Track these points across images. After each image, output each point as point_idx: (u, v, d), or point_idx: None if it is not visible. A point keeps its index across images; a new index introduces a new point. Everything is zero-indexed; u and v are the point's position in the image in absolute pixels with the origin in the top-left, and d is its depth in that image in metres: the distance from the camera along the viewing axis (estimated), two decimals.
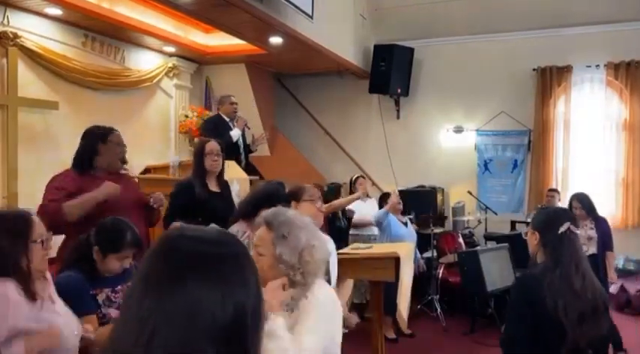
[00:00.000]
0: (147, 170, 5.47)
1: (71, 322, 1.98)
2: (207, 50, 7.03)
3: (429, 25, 7.65)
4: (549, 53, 7.24)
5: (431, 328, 5.47)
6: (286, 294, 1.66)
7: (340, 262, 3.13)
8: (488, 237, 6.60)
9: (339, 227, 5.26)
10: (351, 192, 5.75)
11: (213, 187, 3.63)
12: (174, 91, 7.20)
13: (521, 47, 7.36)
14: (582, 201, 4.76)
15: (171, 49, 6.79)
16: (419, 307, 5.82)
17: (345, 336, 5.07)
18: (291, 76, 8.45)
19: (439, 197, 7.57)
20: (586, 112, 7.17)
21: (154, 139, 6.85)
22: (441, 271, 5.96)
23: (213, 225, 3.44)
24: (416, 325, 5.38)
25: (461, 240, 6.19)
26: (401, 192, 7.09)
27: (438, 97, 7.91)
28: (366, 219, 5.56)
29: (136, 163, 5.25)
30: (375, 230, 5.49)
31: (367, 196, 5.88)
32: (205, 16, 5.50)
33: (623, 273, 6.44)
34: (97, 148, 3.08)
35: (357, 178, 5.87)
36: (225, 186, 3.76)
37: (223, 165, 3.71)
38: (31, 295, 1.85)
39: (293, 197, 2.90)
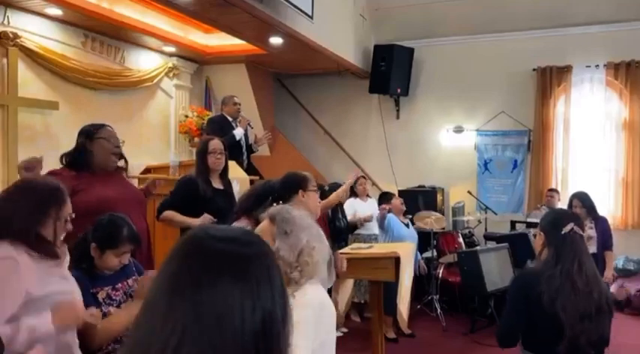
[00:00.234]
0: (147, 170, 5.47)
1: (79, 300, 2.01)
2: (207, 50, 7.04)
3: (429, 25, 7.65)
4: (549, 53, 7.25)
5: (431, 328, 5.47)
6: None
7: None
8: (488, 237, 6.61)
9: (339, 227, 5.25)
10: (352, 192, 5.76)
11: (217, 184, 3.66)
12: (174, 91, 7.20)
13: (521, 47, 7.36)
14: (583, 200, 4.77)
15: (171, 49, 6.79)
16: (419, 306, 5.82)
17: (345, 336, 5.10)
18: (291, 76, 8.45)
19: (439, 197, 7.58)
20: (586, 112, 7.17)
21: (154, 139, 6.86)
22: (440, 271, 5.97)
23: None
24: (416, 325, 5.38)
25: (461, 240, 6.20)
26: (401, 192, 7.12)
27: (438, 97, 7.91)
28: (365, 214, 5.54)
29: (136, 163, 5.25)
30: (376, 229, 5.50)
31: (367, 196, 5.88)
32: (205, 16, 5.50)
33: (623, 273, 6.44)
34: (86, 146, 2.98)
35: (358, 178, 5.86)
36: (228, 184, 3.78)
37: (226, 163, 3.73)
38: (48, 253, 1.88)
39: (300, 186, 2.87)
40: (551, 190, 6.43)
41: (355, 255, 3.65)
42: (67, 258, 2.05)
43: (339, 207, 5.43)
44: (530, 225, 5.97)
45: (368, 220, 5.49)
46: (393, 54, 7.60)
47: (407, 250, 3.97)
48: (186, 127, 6.73)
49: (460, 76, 7.72)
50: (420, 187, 7.62)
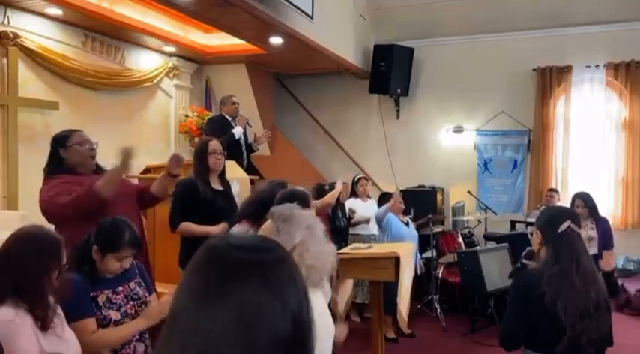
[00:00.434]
0: (147, 170, 5.46)
1: (76, 348, 2.00)
2: (207, 50, 7.04)
3: (429, 25, 7.65)
4: (549, 53, 7.25)
5: (431, 327, 5.47)
6: None
7: (340, 262, 3.12)
8: (488, 237, 6.61)
9: (339, 227, 5.26)
10: (353, 192, 5.76)
11: (216, 185, 3.65)
12: (174, 91, 7.21)
13: (521, 47, 7.36)
14: (585, 200, 4.77)
15: (171, 49, 6.79)
16: (419, 306, 5.82)
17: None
18: (291, 75, 8.45)
19: (439, 197, 7.58)
20: (586, 112, 7.17)
21: (154, 139, 6.86)
22: (440, 271, 5.97)
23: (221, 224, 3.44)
24: (416, 324, 5.38)
25: (460, 240, 6.19)
26: (401, 192, 7.12)
27: (438, 97, 7.91)
28: (365, 216, 5.56)
29: (136, 163, 5.24)
30: (375, 230, 5.50)
31: (368, 196, 5.88)
32: (205, 16, 5.50)
33: (623, 273, 6.45)
34: (60, 155, 2.95)
35: (360, 179, 5.87)
36: (227, 184, 3.78)
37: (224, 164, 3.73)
38: (45, 323, 1.86)
39: (303, 204, 2.83)
40: (550, 190, 6.43)
41: (355, 255, 3.65)
42: (61, 316, 2.02)
43: (339, 207, 5.44)
44: (530, 225, 5.98)
45: (366, 221, 5.52)
46: (393, 54, 7.60)
47: (407, 250, 3.96)
48: (186, 127, 6.73)
49: (460, 76, 7.72)
50: (420, 187, 7.62)
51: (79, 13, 5.35)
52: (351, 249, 3.94)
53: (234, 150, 5.26)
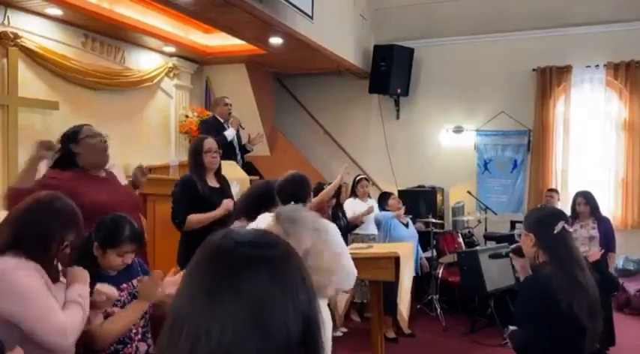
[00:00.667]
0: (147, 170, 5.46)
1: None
2: (207, 50, 7.04)
3: (429, 25, 7.65)
4: (549, 53, 7.25)
5: (431, 328, 5.47)
6: None
7: None
8: (488, 237, 6.61)
9: (340, 227, 5.25)
10: (353, 192, 5.77)
11: (213, 182, 3.65)
12: (174, 92, 7.21)
13: (521, 47, 7.36)
14: (587, 198, 4.79)
15: (171, 49, 6.79)
16: (419, 306, 5.82)
17: (345, 336, 5.09)
18: (291, 76, 8.45)
19: (439, 197, 7.58)
20: (586, 112, 7.17)
21: (154, 139, 6.86)
22: (440, 271, 5.97)
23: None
24: (416, 324, 5.38)
25: (460, 240, 6.20)
26: (401, 192, 7.13)
27: (438, 97, 7.91)
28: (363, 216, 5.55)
29: (135, 163, 5.25)
30: (374, 230, 5.50)
31: (368, 196, 5.88)
32: (205, 16, 5.50)
33: (623, 273, 6.45)
34: (72, 150, 2.91)
35: (361, 180, 5.87)
36: (224, 181, 3.77)
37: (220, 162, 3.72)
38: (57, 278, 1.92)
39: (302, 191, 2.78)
40: (550, 190, 6.43)
41: (355, 255, 3.65)
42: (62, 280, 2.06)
43: (339, 207, 5.44)
44: None
45: (369, 211, 5.47)
46: (393, 54, 7.60)
47: (407, 250, 3.97)
48: (186, 127, 6.73)
49: (460, 76, 7.72)
50: (419, 187, 7.62)
51: (79, 13, 5.35)
52: (351, 249, 3.94)
53: (228, 151, 5.24)
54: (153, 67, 6.76)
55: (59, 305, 1.86)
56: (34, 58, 5.34)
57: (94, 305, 2.04)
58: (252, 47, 6.57)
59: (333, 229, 1.86)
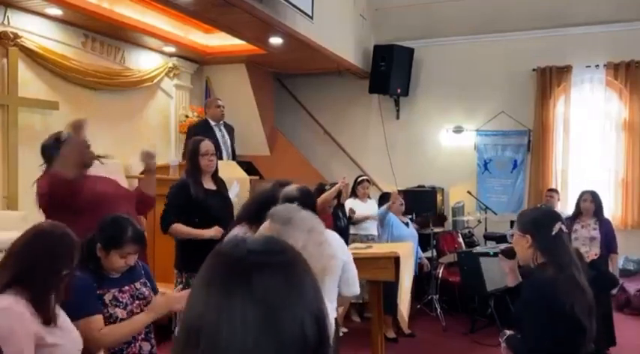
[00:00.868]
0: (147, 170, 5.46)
1: (75, 336, 1.99)
2: (207, 50, 7.04)
3: (429, 25, 7.65)
4: (549, 53, 7.25)
5: (431, 328, 5.47)
6: None
7: None
8: (488, 237, 6.61)
9: (340, 227, 5.25)
10: (354, 193, 5.77)
11: (209, 185, 3.61)
12: (174, 92, 7.21)
13: (521, 47, 7.36)
14: (594, 196, 4.81)
15: (171, 49, 6.79)
16: (419, 306, 5.82)
17: (345, 336, 5.08)
18: (291, 76, 8.45)
19: (439, 197, 7.58)
20: (586, 112, 7.16)
21: (154, 139, 6.86)
22: (440, 271, 5.97)
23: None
24: (416, 324, 5.38)
25: (460, 240, 6.20)
26: (401, 192, 7.12)
27: (438, 97, 7.91)
28: (365, 214, 5.56)
29: (136, 163, 5.26)
30: (374, 230, 5.50)
31: (368, 197, 5.88)
32: (205, 16, 5.50)
33: (623, 273, 6.44)
34: (56, 156, 2.91)
35: (362, 181, 5.87)
36: (221, 183, 3.73)
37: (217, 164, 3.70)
38: (47, 320, 1.85)
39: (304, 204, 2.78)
40: (550, 190, 6.43)
41: (355, 255, 3.65)
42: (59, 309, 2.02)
43: (339, 207, 5.44)
44: None
45: (367, 218, 5.51)
46: (393, 54, 7.60)
47: (407, 250, 3.97)
48: (186, 127, 6.73)
49: (460, 76, 7.72)
50: (419, 187, 7.62)
51: (79, 13, 5.35)
52: (351, 249, 3.94)
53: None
54: (153, 67, 6.77)
55: None
56: (34, 58, 5.35)
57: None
58: (252, 47, 6.57)
59: (332, 238, 1.83)
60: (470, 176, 7.71)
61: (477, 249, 5.78)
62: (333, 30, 6.79)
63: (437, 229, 6.23)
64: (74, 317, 2.03)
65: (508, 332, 2.30)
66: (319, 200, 4.20)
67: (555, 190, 6.37)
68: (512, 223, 6.81)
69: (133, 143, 6.27)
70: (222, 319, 0.75)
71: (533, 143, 7.40)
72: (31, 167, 5.03)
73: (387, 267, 3.58)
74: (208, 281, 0.80)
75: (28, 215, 4.34)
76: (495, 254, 2.43)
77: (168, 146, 7.08)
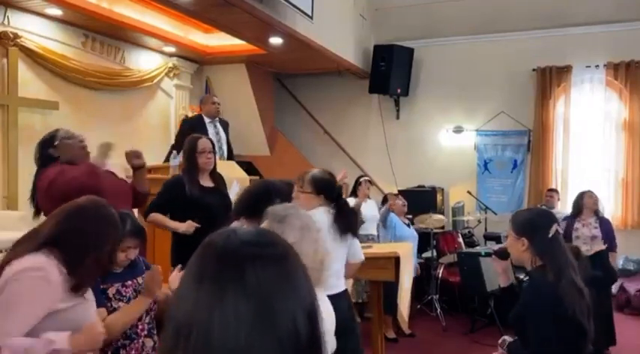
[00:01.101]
0: (147, 170, 5.45)
1: (94, 317, 2.00)
2: (207, 50, 7.04)
3: (429, 25, 7.66)
4: (549, 53, 7.25)
5: (431, 328, 5.47)
6: None
7: None
8: (488, 237, 6.61)
9: None
10: (354, 193, 5.76)
11: (207, 182, 3.59)
12: (174, 92, 7.21)
13: (521, 47, 7.36)
14: (594, 195, 4.84)
15: (171, 49, 6.79)
16: (419, 306, 5.82)
17: None
18: (291, 76, 8.45)
19: (439, 197, 7.58)
20: (586, 112, 7.17)
21: (154, 139, 6.85)
22: (440, 271, 5.97)
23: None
24: (416, 324, 5.38)
25: (460, 240, 6.20)
26: (401, 192, 7.12)
27: (438, 97, 7.91)
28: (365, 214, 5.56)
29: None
30: (373, 230, 5.50)
31: (368, 197, 5.87)
32: (205, 16, 5.51)
33: (623, 273, 6.44)
34: (52, 154, 3.00)
35: (363, 181, 5.86)
36: (220, 180, 3.71)
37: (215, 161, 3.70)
38: (78, 284, 1.87)
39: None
40: (550, 190, 6.43)
41: None
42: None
43: None
44: None
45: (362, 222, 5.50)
46: (393, 54, 7.60)
47: (407, 250, 3.97)
48: None
49: (460, 76, 7.72)
50: (419, 187, 7.62)
51: (78, 13, 5.35)
52: None
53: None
54: (153, 67, 6.77)
55: (31, 325, 1.76)
56: (34, 58, 5.34)
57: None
58: (252, 47, 6.57)
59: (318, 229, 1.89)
60: (470, 176, 7.71)
61: (478, 249, 5.79)
62: (333, 30, 6.79)
63: (437, 230, 6.23)
64: None
65: (508, 339, 2.27)
66: None
67: (555, 190, 6.38)
68: None
69: (133, 143, 6.21)
70: (214, 316, 0.73)
71: (533, 143, 7.41)
72: (31, 167, 5.04)
73: (387, 267, 3.58)
74: (200, 275, 0.78)
75: (28, 215, 4.33)
76: (487, 254, 2.41)
77: (168, 146, 7.05)
